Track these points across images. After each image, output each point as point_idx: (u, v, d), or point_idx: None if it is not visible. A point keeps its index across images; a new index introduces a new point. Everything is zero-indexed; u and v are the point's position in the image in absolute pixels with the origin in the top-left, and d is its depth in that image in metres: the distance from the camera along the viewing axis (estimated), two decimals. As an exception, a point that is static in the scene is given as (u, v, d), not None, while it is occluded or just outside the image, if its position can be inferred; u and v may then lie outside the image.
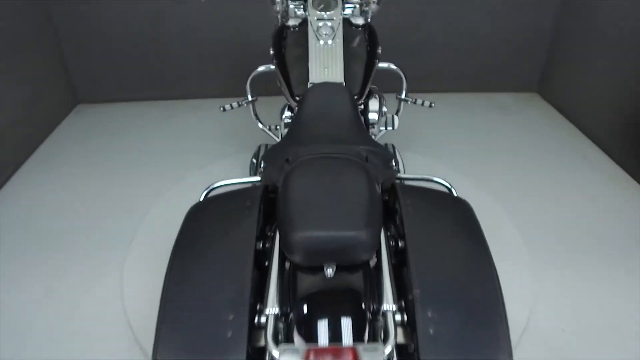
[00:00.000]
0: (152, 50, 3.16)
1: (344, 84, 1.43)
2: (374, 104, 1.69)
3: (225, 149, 2.70)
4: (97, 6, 2.95)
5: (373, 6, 1.79)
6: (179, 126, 3.02)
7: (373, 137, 1.76)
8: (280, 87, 1.53)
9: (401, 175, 1.27)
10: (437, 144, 2.79)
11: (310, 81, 1.44)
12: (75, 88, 3.24)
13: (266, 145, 2.25)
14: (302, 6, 1.76)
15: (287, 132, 1.27)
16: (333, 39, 1.51)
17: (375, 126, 1.68)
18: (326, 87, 1.40)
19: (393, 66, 1.86)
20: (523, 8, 3.14)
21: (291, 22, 1.63)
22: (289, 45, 1.61)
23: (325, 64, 1.46)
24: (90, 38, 3.06)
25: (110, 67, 3.19)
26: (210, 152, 2.67)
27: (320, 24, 1.53)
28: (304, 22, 1.61)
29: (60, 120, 3.07)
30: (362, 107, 1.69)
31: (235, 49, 3.18)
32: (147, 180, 2.43)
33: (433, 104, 1.99)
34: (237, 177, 1.26)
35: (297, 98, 1.46)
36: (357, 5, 1.75)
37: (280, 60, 1.57)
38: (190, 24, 3.07)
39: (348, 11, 1.73)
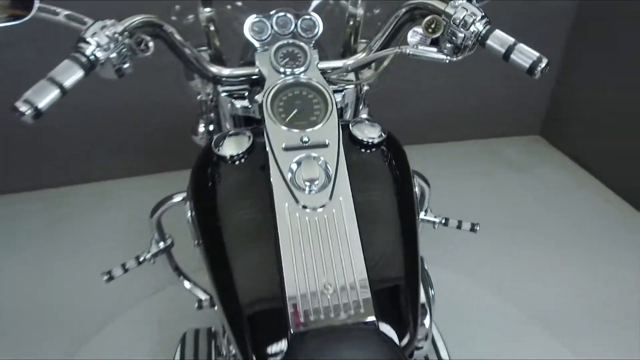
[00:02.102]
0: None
1: (376, 322, 0.59)
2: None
3: (132, 290, 1.67)
4: None
5: (368, 74, 0.97)
6: (64, 242, 1.99)
7: None
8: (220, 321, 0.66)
9: None
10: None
11: (291, 326, 0.58)
12: None
13: (196, 333, 1.28)
14: (247, 94, 0.91)
15: None
16: (331, 196, 0.66)
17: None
18: (332, 344, 0.56)
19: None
20: (523, 34, 2.46)
21: (228, 149, 0.75)
22: (227, 206, 0.74)
23: (322, 268, 0.61)
24: None
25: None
26: (100, 302, 1.65)
27: (297, 157, 0.68)
28: (259, 148, 0.75)
29: None
30: None
31: (153, 105, 2.24)
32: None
33: (477, 227, 1.20)
34: None
35: None
36: (352, 87, 0.93)
37: (210, 243, 0.71)
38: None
39: (337, 98, 0.89)
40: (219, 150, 0.75)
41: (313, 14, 0.88)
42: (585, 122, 2.49)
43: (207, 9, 0.89)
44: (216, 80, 0.87)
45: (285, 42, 0.80)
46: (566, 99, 2.63)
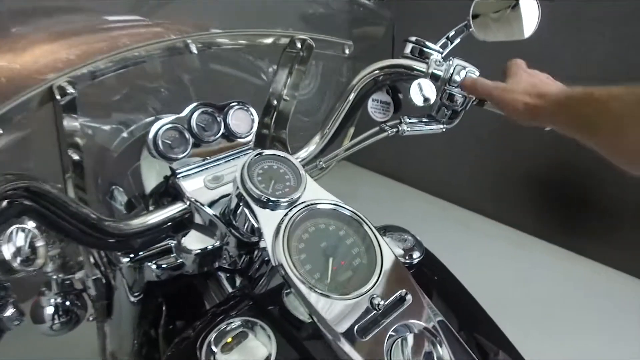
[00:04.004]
0: None
1: None
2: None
3: None
4: None
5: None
6: None
7: None
8: None
9: None
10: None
11: None
12: None
13: None
14: (173, 244, 0.56)
15: None
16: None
17: None
18: None
19: None
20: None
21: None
22: None
23: None
24: None
25: None
26: None
27: (390, 339, 0.41)
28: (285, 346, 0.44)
29: None
30: None
31: None
32: None
33: None
34: None
35: None
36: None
37: None
38: None
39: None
40: None
41: (237, 103, 0.60)
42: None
43: (72, 122, 0.50)
44: (125, 242, 0.50)
45: (256, 154, 0.50)
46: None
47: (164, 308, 0.69)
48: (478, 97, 0.59)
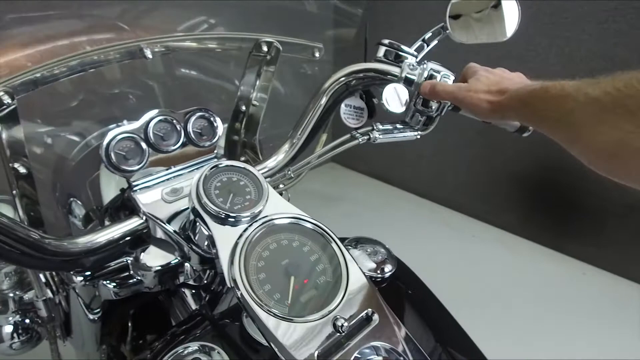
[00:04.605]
0: None
1: None
2: None
3: None
4: None
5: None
6: None
7: None
8: None
9: None
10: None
11: None
12: None
13: None
14: (130, 260, 0.53)
15: None
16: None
17: None
18: None
19: None
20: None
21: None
22: None
23: None
24: None
25: None
26: None
27: None
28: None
29: None
30: None
31: None
32: None
33: None
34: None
35: None
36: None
37: None
38: None
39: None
40: None
41: (199, 110, 0.56)
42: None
43: (15, 133, 0.47)
44: (72, 262, 0.47)
45: (212, 166, 0.47)
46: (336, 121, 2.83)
47: (129, 324, 0.66)
48: (439, 101, 0.57)
